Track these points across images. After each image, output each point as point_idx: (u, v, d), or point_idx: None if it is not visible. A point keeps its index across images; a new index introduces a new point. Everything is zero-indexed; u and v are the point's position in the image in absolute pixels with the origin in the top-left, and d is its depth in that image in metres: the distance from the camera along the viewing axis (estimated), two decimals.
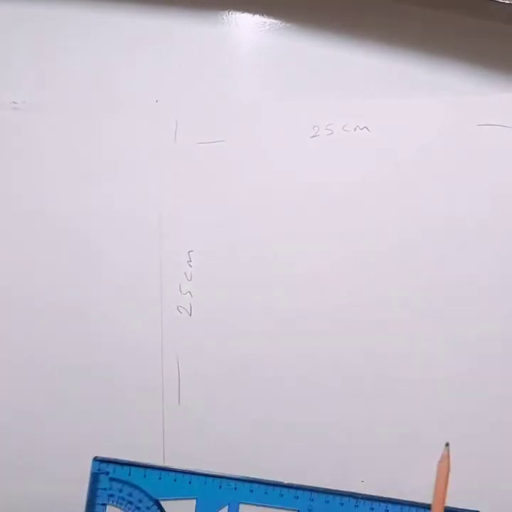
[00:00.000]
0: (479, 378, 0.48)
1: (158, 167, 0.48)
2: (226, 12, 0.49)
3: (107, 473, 0.47)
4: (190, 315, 0.48)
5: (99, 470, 0.47)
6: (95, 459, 0.47)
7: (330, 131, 0.49)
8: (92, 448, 0.48)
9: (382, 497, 0.47)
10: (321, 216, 0.48)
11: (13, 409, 0.48)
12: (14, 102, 0.48)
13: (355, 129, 0.48)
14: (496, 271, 0.48)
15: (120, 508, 0.47)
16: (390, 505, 0.47)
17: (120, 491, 0.47)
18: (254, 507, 0.46)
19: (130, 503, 0.47)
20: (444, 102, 0.49)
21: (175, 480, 0.47)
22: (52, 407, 0.48)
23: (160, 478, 0.47)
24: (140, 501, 0.47)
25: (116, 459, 0.47)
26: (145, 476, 0.47)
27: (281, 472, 0.48)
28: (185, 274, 0.48)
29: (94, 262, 0.48)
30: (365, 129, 0.49)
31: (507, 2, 0.42)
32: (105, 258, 0.48)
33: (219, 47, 0.49)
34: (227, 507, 0.47)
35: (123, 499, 0.47)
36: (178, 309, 0.48)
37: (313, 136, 0.48)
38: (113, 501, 0.47)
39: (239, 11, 0.49)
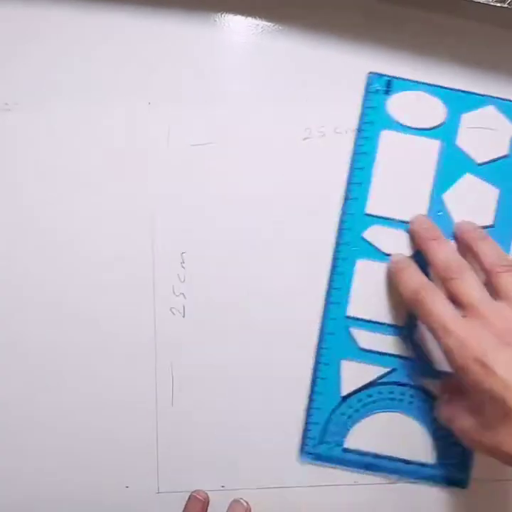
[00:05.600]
0: None
1: (150, 169, 0.48)
2: (219, 14, 0.49)
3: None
4: (184, 317, 0.48)
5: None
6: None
7: (322, 133, 0.49)
8: (82, 449, 0.48)
9: None
10: (314, 217, 0.49)
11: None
12: (6, 104, 0.48)
13: (346, 131, 0.49)
14: None
15: None
16: None
17: None
18: None
19: None
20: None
21: None
22: (42, 407, 0.48)
23: None
24: None
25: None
26: None
27: (277, 472, 0.48)
28: (178, 275, 0.48)
29: (85, 264, 0.48)
30: (356, 131, 0.49)
31: (492, 4, 0.42)
32: (97, 260, 0.48)
33: (211, 49, 0.49)
34: None
35: None
36: (171, 311, 0.48)
37: (306, 138, 0.49)
38: None
39: (231, 13, 0.49)
